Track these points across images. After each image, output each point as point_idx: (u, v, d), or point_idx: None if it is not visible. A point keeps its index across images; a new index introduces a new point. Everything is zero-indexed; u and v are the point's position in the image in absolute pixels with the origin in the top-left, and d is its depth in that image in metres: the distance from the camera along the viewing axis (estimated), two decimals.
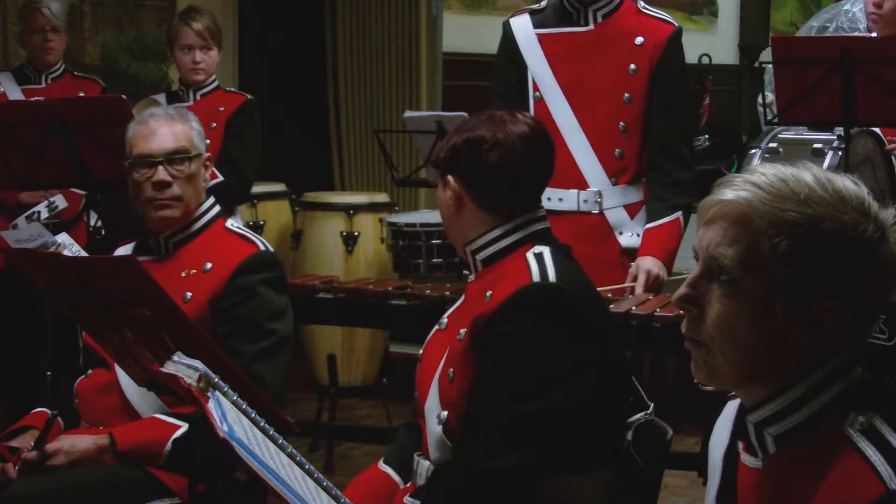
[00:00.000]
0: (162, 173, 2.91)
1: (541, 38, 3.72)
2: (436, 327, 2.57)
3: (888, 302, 1.59)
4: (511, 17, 3.82)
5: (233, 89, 4.99)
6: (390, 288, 3.75)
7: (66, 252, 3.55)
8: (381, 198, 6.18)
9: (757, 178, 1.58)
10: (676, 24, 3.74)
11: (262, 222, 5.98)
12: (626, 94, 3.64)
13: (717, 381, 1.63)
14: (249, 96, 4.83)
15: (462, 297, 2.55)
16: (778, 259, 1.54)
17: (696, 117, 10.25)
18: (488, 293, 2.35)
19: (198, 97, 4.76)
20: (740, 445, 1.69)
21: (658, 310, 3.25)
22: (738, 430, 1.70)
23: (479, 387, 2.29)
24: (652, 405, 2.41)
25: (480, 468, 2.23)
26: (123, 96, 4.11)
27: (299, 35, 7.33)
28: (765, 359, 1.58)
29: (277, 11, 7.22)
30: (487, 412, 2.25)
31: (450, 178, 2.45)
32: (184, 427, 2.73)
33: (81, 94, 4.79)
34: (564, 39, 3.70)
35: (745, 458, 1.68)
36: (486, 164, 2.42)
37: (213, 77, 4.82)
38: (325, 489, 1.84)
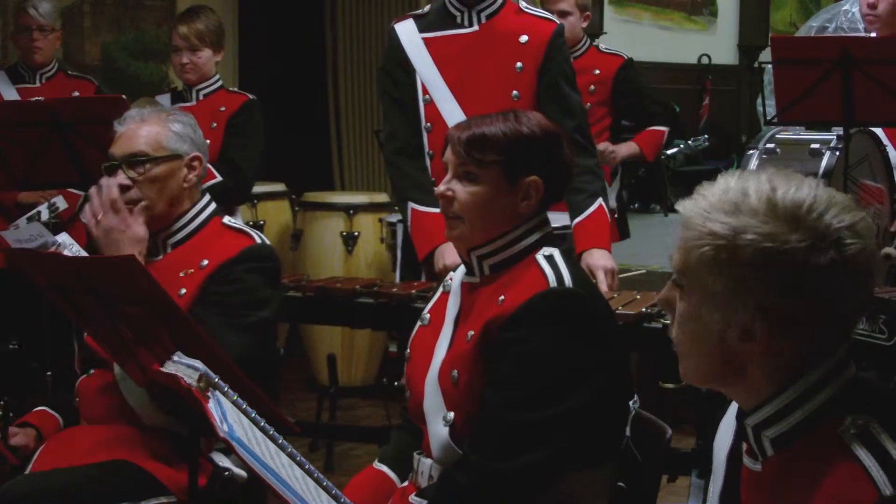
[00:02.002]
0: (120, 176, 2.90)
1: (427, 41, 3.74)
2: (419, 323, 2.55)
3: (861, 305, 1.59)
4: (396, 22, 3.83)
5: (235, 89, 4.99)
6: (358, 287, 3.77)
7: (66, 252, 3.54)
8: (381, 198, 6.19)
9: (707, 188, 1.63)
10: (558, 22, 3.78)
11: (262, 222, 5.97)
12: (515, 92, 3.66)
13: (689, 380, 1.69)
14: (252, 96, 4.83)
15: (440, 291, 2.55)
16: (704, 267, 1.59)
17: (696, 117, 10.26)
18: (501, 297, 2.32)
19: (200, 97, 4.76)
20: (744, 447, 1.70)
21: (621, 307, 3.28)
22: (740, 433, 1.72)
23: (494, 389, 2.27)
24: (636, 393, 2.42)
25: (493, 469, 2.22)
26: (123, 96, 4.11)
27: (299, 35, 7.33)
28: (715, 367, 1.63)
29: (277, 11, 7.23)
30: (502, 414, 2.24)
31: (531, 176, 2.37)
32: None
33: (76, 94, 4.80)
34: (450, 42, 3.72)
35: (746, 461, 1.69)
36: (562, 159, 2.42)
37: (217, 77, 4.82)
38: (325, 489, 1.85)
